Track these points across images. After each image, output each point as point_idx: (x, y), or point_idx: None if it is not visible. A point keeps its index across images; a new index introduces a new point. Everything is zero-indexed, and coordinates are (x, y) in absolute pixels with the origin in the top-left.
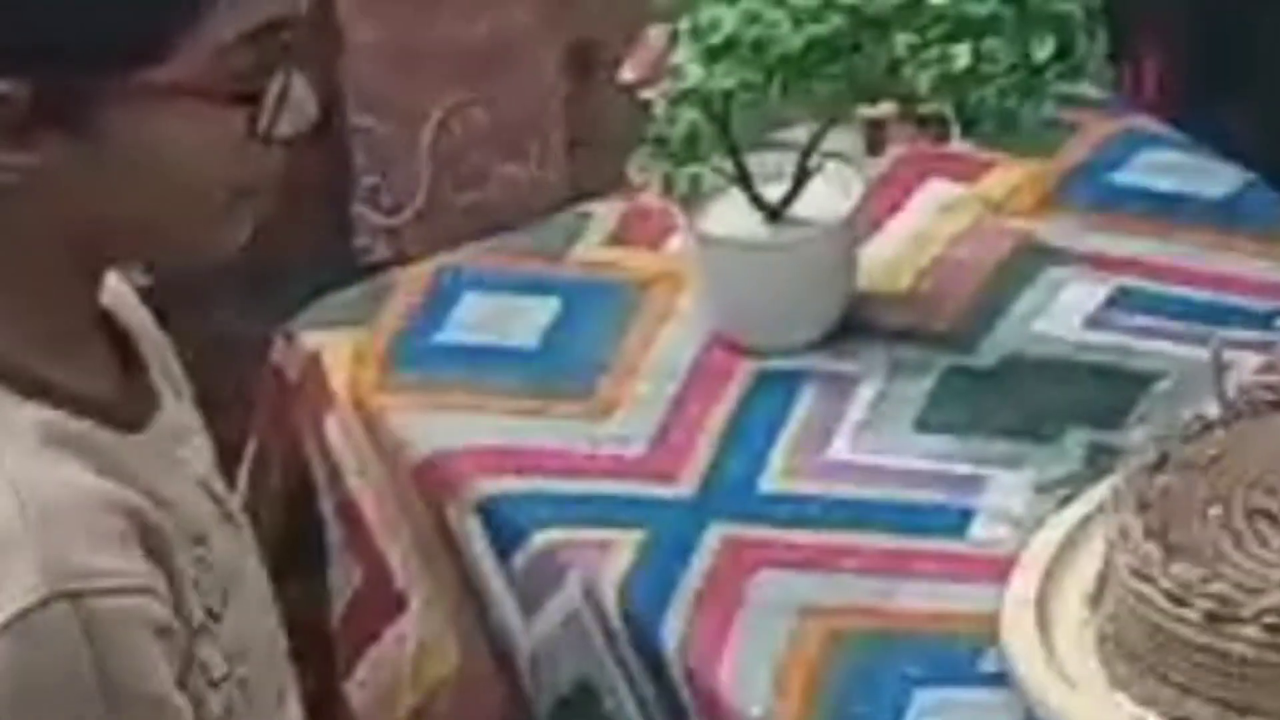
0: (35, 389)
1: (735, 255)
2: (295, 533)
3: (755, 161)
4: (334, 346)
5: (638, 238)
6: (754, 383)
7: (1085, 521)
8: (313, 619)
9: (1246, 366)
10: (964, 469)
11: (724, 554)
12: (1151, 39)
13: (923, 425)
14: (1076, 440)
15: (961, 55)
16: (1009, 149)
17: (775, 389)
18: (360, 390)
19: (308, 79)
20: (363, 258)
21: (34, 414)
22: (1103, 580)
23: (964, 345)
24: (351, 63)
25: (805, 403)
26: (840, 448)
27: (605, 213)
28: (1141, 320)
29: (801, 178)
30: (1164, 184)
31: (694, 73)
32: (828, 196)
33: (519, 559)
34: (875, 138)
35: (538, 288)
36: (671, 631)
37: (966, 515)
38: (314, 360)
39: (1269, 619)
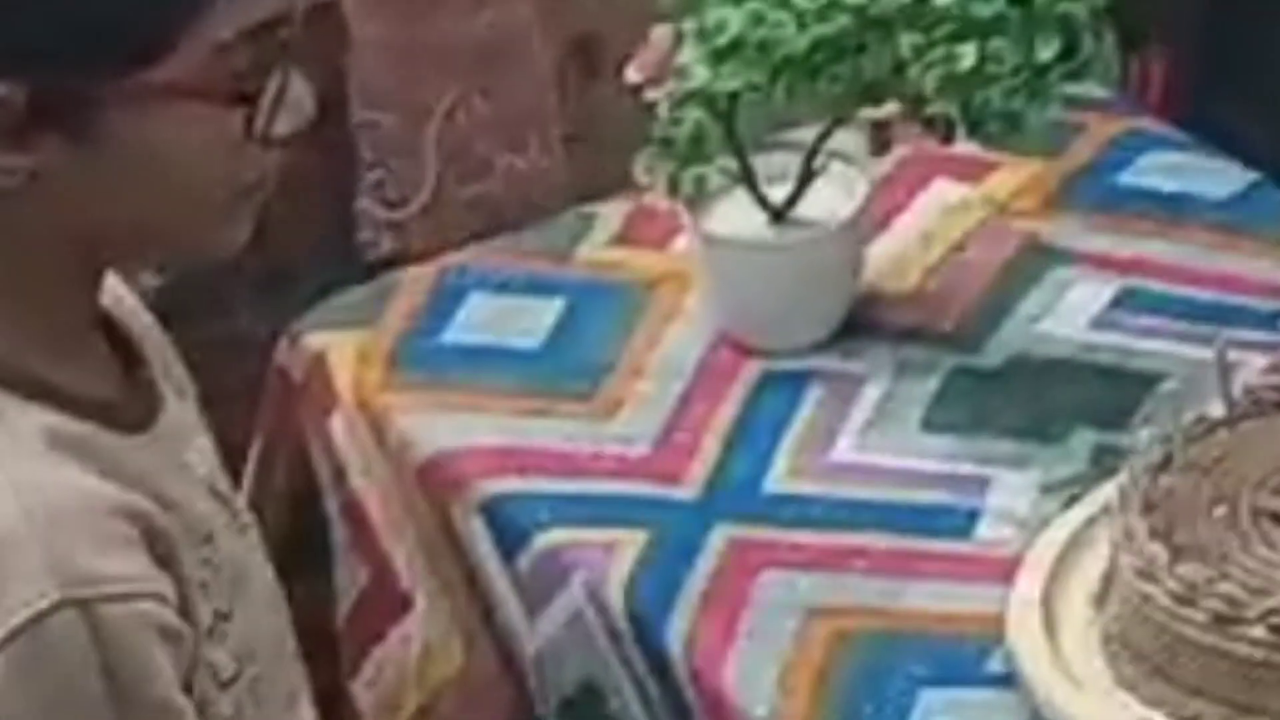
0: (38, 392)
1: (740, 255)
2: (300, 533)
3: (760, 162)
4: (339, 347)
5: (643, 238)
6: (759, 383)
7: (1090, 522)
8: (318, 619)
9: (1252, 367)
10: (969, 469)
11: (729, 554)
12: (1158, 40)
13: (928, 425)
14: (1082, 440)
15: (967, 56)
16: (1014, 149)
17: (780, 389)
18: (365, 390)
19: (310, 75)
20: (369, 252)
21: (38, 417)
22: (1108, 581)
23: (969, 346)
24: (356, 58)
25: (810, 403)
26: (845, 448)
27: (610, 213)
28: (1147, 321)
29: (806, 178)
30: (1170, 184)
31: (700, 73)
32: (832, 197)
33: (523, 559)
34: (881, 138)
35: (543, 288)
36: (676, 632)
37: (972, 516)
38: (319, 360)
39: (1275, 619)
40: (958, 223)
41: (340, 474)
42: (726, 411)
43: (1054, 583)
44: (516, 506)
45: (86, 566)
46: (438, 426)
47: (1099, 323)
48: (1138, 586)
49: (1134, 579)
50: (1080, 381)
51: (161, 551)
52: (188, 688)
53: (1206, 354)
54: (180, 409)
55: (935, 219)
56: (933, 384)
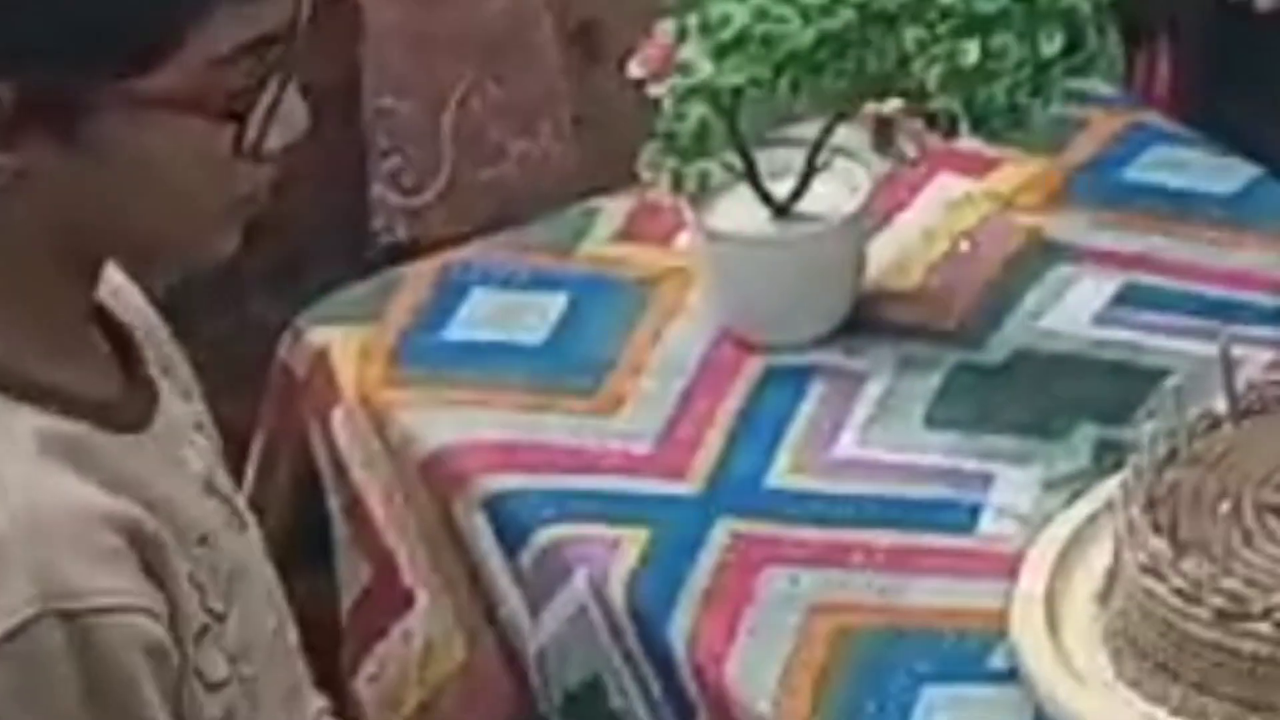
0: (31, 392)
1: (743, 251)
2: (302, 529)
3: (764, 157)
4: (341, 342)
5: (646, 234)
6: (762, 379)
7: (1094, 518)
8: (319, 615)
9: (1256, 362)
10: (972, 465)
11: (731, 550)
12: (1163, 35)
13: (931, 421)
14: (1085, 436)
15: (970, 51)
16: (1018, 145)
17: (783, 385)
18: (367, 386)
19: (324, 63)
20: (384, 238)
21: (31, 419)
22: (1112, 577)
23: (972, 341)
24: (372, 46)
25: (813, 399)
26: (848, 444)
27: (613, 208)
28: (1150, 316)
29: (810, 173)
30: (1173, 180)
31: (703, 68)
32: (835, 193)
33: (526, 555)
34: (884, 134)
35: (546, 284)
36: (679, 628)
37: (975, 511)
38: (321, 356)
39: None
40: (961, 218)
41: (342, 470)
42: (729, 407)
43: (1057, 579)
44: (519, 502)
45: (72, 578)
46: (440, 422)
47: (1102, 319)
48: (1141, 583)
49: (1138, 575)
50: (1083, 377)
51: (151, 558)
52: (176, 698)
53: (1210, 350)
54: (178, 405)
55: (938, 215)
56: (935, 380)
